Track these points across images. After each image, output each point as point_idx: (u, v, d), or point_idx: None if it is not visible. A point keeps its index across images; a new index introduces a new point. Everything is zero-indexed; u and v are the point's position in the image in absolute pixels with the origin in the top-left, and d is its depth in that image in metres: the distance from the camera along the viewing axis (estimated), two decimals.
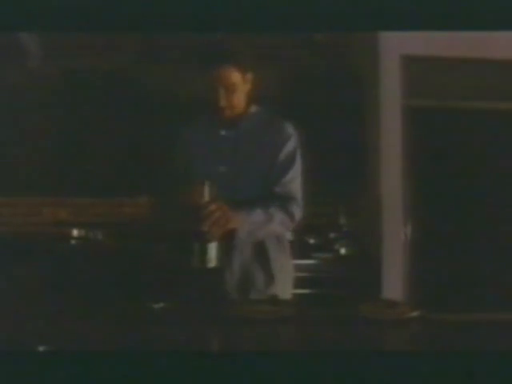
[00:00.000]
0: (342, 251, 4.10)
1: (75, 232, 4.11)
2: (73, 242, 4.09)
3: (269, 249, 2.26)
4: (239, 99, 2.28)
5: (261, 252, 2.24)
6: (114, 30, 1.88)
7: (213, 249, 1.96)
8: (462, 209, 4.16)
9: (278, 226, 2.22)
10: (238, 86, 2.24)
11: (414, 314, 1.76)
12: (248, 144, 2.29)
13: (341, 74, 4.37)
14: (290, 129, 2.32)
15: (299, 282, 3.88)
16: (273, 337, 1.63)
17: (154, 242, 3.49)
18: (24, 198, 4.38)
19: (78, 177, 4.23)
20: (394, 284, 3.94)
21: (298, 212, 2.25)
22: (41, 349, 1.41)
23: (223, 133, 2.32)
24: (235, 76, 2.22)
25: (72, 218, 4.42)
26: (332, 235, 4.23)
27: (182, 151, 2.38)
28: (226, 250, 2.10)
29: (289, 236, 2.42)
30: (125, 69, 4.36)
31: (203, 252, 1.95)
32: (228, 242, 2.09)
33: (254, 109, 2.36)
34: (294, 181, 2.27)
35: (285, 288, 2.30)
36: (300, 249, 3.95)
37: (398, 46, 4.02)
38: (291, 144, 2.30)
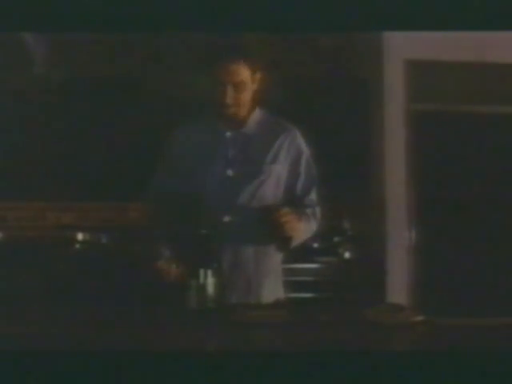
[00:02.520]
0: (346, 255, 4.09)
1: (79, 236, 4.11)
2: (77, 246, 4.09)
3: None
4: (246, 98, 2.20)
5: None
6: (116, 32, 1.88)
7: (211, 287, 1.84)
8: (465, 212, 4.15)
9: (310, 234, 2.27)
10: (247, 85, 2.17)
11: (419, 318, 1.76)
12: (256, 147, 2.24)
13: (345, 77, 4.37)
14: (300, 137, 2.29)
15: (303, 286, 3.88)
16: (275, 340, 1.62)
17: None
18: (28, 202, 4.38)
19: (83, 181, 4.24)
20: (398, 288, 3.94)
21: (321, 218, 2.29)
22: (42, 350, 1.41)
23: (228, 134, 2.24)
24: (245, 73, 2.15)
25: (76, 222, 4.42)
26: (336, 239, 4.22)
27: (181, 151, 2.27)
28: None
29: None
30: (130, 72, 4.36)
31: (200, 290, 1.83)
32: (285, 247, 2.14)
33: (259, 111, 2.29)
34: (316, 191, 2.30)
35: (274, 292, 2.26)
36: (304, 253, 3.95)
37: (401, 50, 4.02)
38: (307, 154, 2.28)
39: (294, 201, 2.24)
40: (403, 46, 3.96)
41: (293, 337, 1.64)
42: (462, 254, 4.08)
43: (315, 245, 4.10)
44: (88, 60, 4.36)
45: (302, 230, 2.19)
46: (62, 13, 1.80)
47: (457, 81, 4.10)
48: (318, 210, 2.29)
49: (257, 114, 2.27)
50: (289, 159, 2.25)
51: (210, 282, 1.84)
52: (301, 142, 2.29)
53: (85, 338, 1.55)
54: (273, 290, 2.22)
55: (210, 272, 1.84)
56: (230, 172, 2.20)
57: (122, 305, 2.00)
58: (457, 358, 1.40)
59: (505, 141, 4.16)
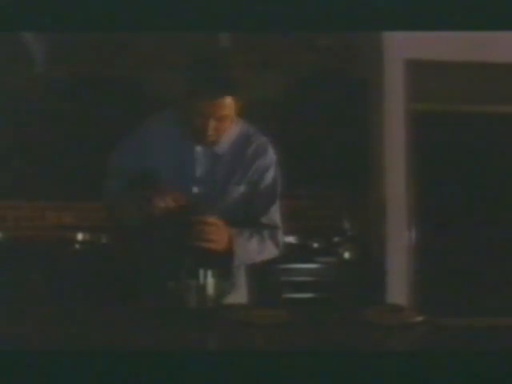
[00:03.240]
0: (346, 255, 4.10)
1: (79, 236, 4.12)
2: (77, 245, 4.09)
3: None
4: (227, 127, 2.06)
5: None
6: (116, 32, 1.88)
7: (211, 286, 1.83)
8: (466, 212, 4.16)
9: (266, 256, 2.14)
10: (230, 117, 2.02)
11: (419, 318, 1.76)
12: (226, 163, 2.12)
13: (345, 77, 4.37)
14: (270, 152, 2.17)
15: (303, 286, 3.89)
16: (274, 340, 1.62)
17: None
18: (28, 201, 4.38)
19: (82, 181, 4.23)
20: (398, 288, 3.94)
21: (283, 241, 2.18)
22: (42, 349, 1.41)
23: (198, 150, 2.10)
24: (229, 107, 1.99)
25: (76, 221, 4.42)
26: (336, 239, 4.22)
27: (142, 153, 2.12)
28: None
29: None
30: (129, 72, 4.36)
31: (200, 290, 1.81)
32: (223, 264, 1.97)
33: (235, 128, 2.12)
34: (278, 210, 2.18)
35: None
36: (304, 253, 3.95)
37: (401, 50, 4.02)
38: (272, 170, 2.16)
39: (250, 220, 2.12)
40: (403, 46, 3.96)
41: (293, 337, 1.64)
42: (461, 254, 4.09)
43: (315, 245, 4.11)
44: (88, 60, 4.37)
45: (252, 249, 2.07)
46: (62, 13, 1.80)
47: (457, 81, 4.10)
48: (278, 231, 2.17)
49: (232, 133, 2.12)
50: (255, 177, 2.14)
51: (210, 282, 1.83)
52: (269, 156, 2.16)
53: (85, 338, 1.55)
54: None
55: (209, 272, 1.84)
56: (195, 189, 2.10)
57: (122, 305, 2.00)
58: (457, 358, 1.40)
59: (505, 141, 4.16)
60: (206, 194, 2.08)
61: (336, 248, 4.14)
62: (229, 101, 1.97)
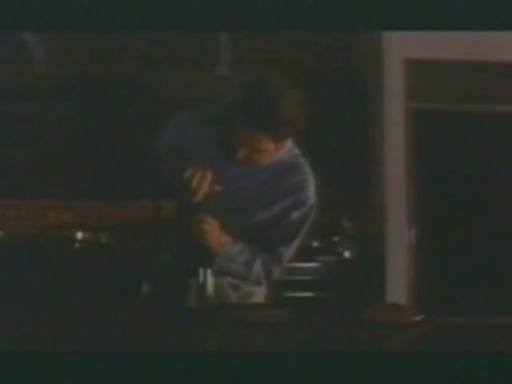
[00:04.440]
0: (346, 254, 4.10)
1: (79, 234, 4.12)
2: (77, 244, 4.10)
3: None
4: (263, 159, 1.95)
5: None
6: (116, 32, 1.88)
7: (211, 285, 1.81)
8: (465, 212, 4.16)
9: (258, 268, 2.04)
10: (267, 153, 1.91)
11: (419, 318, 1.76)
12: (262, 183, 2.02)
13: (344, 77, 4.37)
14: (311, 190, 2.05)
15: (303, 286, 3.89)
16: (274, 340, 1.63)
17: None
18: (28, 200, 4.39)
19: (82, 180, 4.24)
20: (397, 287, 3.94)
21: (288, 251, 2.08)
22: (43, 350, 1.41)
23: (231, 170, 1.99)
24: (266, 144, 1.87)
25: (76, 220, 4.43)
26: (336, 238, 4.22)
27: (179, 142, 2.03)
28: None
29: None
30: (129, 72, 4.37)
31: (201, 289, 1.80)
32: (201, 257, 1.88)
33: (276, 155, 1.99)
34: (293, 249, 2.08)
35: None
36: (304, 252, 3.95)
37: (401, 49, 4.02)
38: (306, 210, 2.04)
39: (259, 241, 2.03)
40: (403, 46, 3.96)
41: (293, 337, 1.65)
42: (461, 254, 4.09)
43: (315, 244, 4.11)
44: (88, 60, 4.37)
45: (236, 265, 2.00)
46: (62, 13, 1.81)
47: (457, 81, 4.11)
48: (276, 266, 2.06)
49: (277, 156, 1.99)
50: (287, 208, 2.03)
51: (210, 281, 1.83)
52: (309, 194, 2.05)
53: (85, 338, 1.55)
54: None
55: (209, 271, 1.85)
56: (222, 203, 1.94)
57: (122, 304, 2.01)
58: (457, 358, 1.40)
59: (505, 141, 4.16)
60: (228, 206, 1.97)
61: (336, 247, 4.15)
62: (265, 137, 1.86)
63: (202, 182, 1.84)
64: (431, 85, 4.13)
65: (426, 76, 4.10)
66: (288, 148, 2.04)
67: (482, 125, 4.17)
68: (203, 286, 1.82)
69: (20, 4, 1.80)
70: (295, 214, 2.04)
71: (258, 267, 2.04)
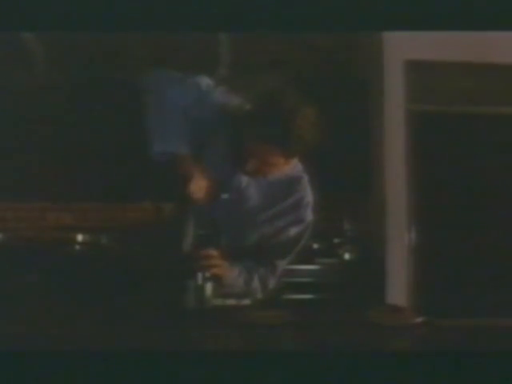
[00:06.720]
0: (346, 256, 4.09)
1: (79, 237, 4.12)
2: (77, 246, 4.09)
3: None
4: (271, 172, 1.96)
5: None
6: (116, 32, 1.88)
7: (209, 287, 1.81)
8: (465, 213, 4.16)
9: (255, 284, 2.05)
10: (276, 167, 1.92)
11: (419, 319, 1.75)
12: (264, 195, 2.05)
13: (345, 78, 4.37)
14: (310, 210, 2.08)
15: (304, 287, 3.88)
16: (275, 340, 1.62)
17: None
18: (28, 202, 4.39)
19: (82, 181, 4.24)
20: (398, 289, 3.94)
21: (283, 264, 2.09)
22: (42, 350, 1.41)
23: (237, 178, 2.01)
24: (276, 159, 1.88)
25: (76, 222, 4.42)
26: (336, 240, 4.22)
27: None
28: None
29: None
30: (129, 72, 4.36)
31: (199, 291, 1.80)
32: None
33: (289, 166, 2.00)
34: (286, 262, 2.11)
35: None
36: (304, 254, 3.94)
37: (401, 50, 4.02)
38: (304, 226, 2.07)
39: (256, 253, 2.05)
40: (403, 46, 3.96)
41: (293, 337, 1.64)
42: (462, 255, 4.09)
43: (315, 246, 4.11)
44: (88, 60, 4.37)
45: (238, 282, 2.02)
46: (62, 13, 1.81)
47: (457, 81, 4.11)
48: (271, 276, 2.07)
49: (281, 172, 2.00)
50: (285, 223, 2.06)
51: (209, 282, 1.83)
52: (307, 213, 2.07)
53: (85, 338, 1.55)
54: None
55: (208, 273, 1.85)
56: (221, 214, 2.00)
57: (122, 305, 2.01)
58: (457, 359, 1.39)
59: (505, 141, 4.16)
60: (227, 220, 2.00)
61: (336, 249, 4.14)
62: (281, 153, 1.87)
63: (204, 186, 1.86)
64: (431, 86, 4.13)
65: (426, 77, 4.11)
66: (295, 163, 2.05)
67: (483, 126, 4.17)
68: (202, 287, 1.82)
69: (20, 4, 1.80)
70: (293, 231, 2.06)
71: (255, 283, 2.05)
